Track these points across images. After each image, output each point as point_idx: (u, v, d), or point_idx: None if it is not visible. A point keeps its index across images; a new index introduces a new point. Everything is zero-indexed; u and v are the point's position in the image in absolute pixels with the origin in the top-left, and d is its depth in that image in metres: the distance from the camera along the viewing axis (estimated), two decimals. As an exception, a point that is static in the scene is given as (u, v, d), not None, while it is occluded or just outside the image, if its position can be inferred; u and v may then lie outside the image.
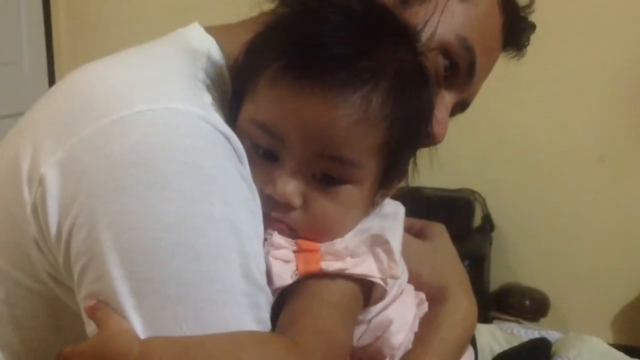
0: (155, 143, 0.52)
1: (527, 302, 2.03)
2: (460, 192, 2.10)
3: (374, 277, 0.59)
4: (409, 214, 0.77)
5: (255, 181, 0.57)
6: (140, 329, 0.51)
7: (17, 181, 0.56)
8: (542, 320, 2.04)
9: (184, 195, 0.51)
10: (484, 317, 1.88)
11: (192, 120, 0.54)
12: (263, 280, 0.55)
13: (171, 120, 0.53)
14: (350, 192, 0.58)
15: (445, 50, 0.68)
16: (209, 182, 0.52)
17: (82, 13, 2.42)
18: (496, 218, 2.12)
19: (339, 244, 0.59)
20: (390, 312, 0.65)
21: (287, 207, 0.57)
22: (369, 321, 0.63)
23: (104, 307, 0.51)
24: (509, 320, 1.91)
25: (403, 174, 0.64)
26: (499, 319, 1.96)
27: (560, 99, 2.08)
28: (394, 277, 0.60)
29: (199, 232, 0.51)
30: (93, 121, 0.54)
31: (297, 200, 0.57)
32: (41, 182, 0.54)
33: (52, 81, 2.41)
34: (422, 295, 0.71)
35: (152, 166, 0.52)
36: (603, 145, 2.07)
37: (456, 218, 2.01)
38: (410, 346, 0.66)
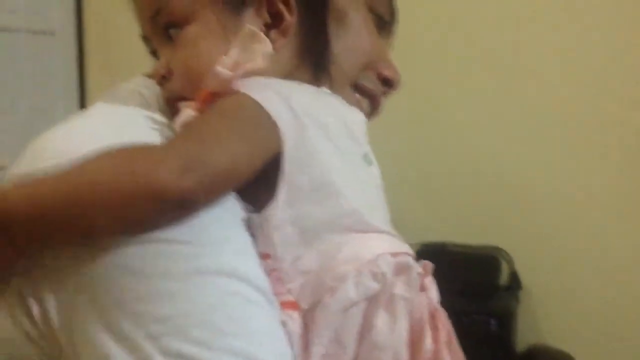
0: None
1: (556, 365, 1.97)
2: (486, 249, 2.06)
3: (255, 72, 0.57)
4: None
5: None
6: None
7: None
8: (571, 384, 1.97)
9: None
10: (510, 380, 1.82)
11: None
12: None
13: None
14: (191, 31, 0.59)
15: (370, 5, 0.71)
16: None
17: (115, 63, 2.47)
18: (523, 276, 2.07)
19: (218, 62, 0.57)
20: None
21: (163, 80, 0.61)
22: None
23: None
24: (536, 384, 1.84)
25: None
26: (526, 381, 1.90)
27: (588, 153, 2.04)
28: (265, 60, 0.57)
29: None
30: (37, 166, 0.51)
31: (162, 70, 0.61)
32: None
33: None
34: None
35: None
36: (634, 202, 2.03)
37: (482, 275, 1.97)
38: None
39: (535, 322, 2.10)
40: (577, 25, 2.03)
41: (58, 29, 2.36)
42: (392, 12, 0.75)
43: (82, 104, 2.46)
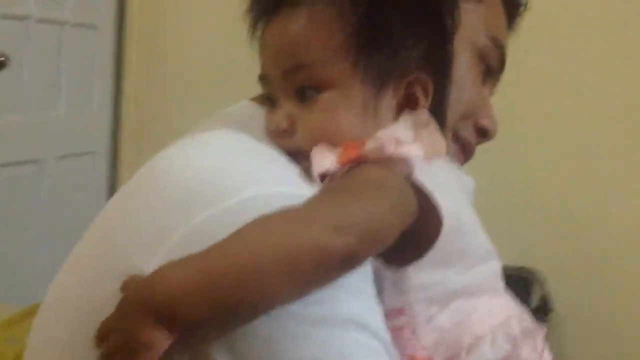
0: None
1: (583, 394, 1.92)
2: (519, 270, 2.03)
3: (418, 156, 0.57)
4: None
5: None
6: None
7: (109, 279, 0.53)
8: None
9: None
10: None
11: None
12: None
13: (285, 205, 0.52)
14: (330, 97, 0.60)
15: (481, 54, 0.70)
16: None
17: (153, 59, 2.49)
18: (555, 300, 2.03)
19: (382, 133, 0.58)
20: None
21: (283, 133, 0.61)
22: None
23: None
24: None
25: (404, 65, 0.61)
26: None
27: (627, 175, 2.02)
28: (439, 153, 0.59)
29: None
30: (201, 210, 0.52)
31: (284, 123, 0.60)
32: None
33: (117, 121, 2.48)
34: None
35: None
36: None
37: (512, 296, 1.94)
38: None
39: (564, 347, 2.07)
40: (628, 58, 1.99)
41: (100, 23, 2.38)
42: (502, 62, 0.73)
43: (117, 100, 2.48)
